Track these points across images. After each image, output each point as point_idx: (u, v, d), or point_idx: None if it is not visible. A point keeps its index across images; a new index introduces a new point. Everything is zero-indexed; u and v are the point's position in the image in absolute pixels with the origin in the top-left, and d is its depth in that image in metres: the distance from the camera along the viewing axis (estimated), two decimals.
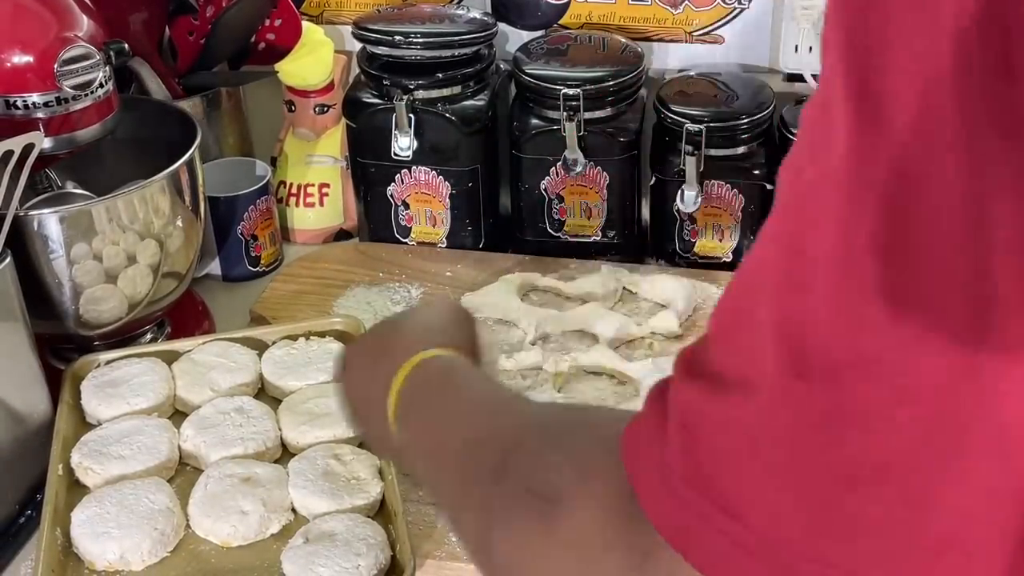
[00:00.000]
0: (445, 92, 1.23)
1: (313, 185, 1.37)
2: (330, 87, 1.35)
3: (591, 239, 1.27)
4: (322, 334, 1.08)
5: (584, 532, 0.41)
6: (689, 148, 1.18)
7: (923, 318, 0.33)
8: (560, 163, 1.21)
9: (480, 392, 0.60)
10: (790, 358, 0.36)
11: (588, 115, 1.20)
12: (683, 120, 1.18)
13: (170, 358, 1.05)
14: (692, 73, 1.29)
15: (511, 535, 0.45)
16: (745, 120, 1.18)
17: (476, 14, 1.29)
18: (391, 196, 1.28)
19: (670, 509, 0.38)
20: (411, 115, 1.22)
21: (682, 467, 0.37)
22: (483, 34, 1.25)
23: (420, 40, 1.23)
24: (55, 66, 0.96)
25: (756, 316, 0.37)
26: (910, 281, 0.34)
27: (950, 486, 0.35)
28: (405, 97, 1.22)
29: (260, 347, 1.07)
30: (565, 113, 1.19)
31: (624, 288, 1.19)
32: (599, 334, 1.12)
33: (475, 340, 0.68)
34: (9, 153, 0.92)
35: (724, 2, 1.29)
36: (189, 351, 1.06)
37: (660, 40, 1.32)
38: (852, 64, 0.35)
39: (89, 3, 1.02)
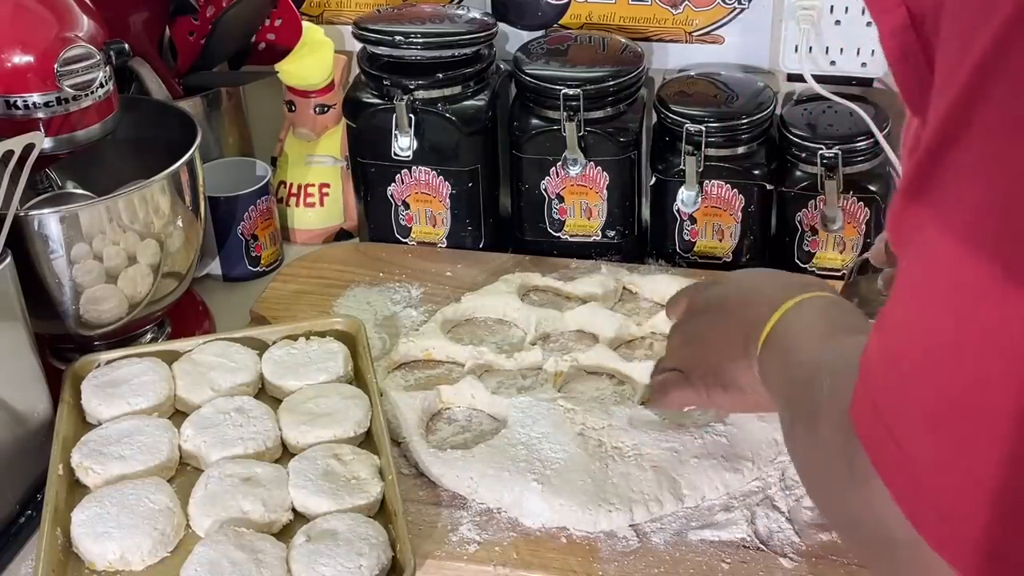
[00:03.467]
0: (445, 92, 1.24)
1: (313, 185, 1.37)
2: (330, 87, 1.35)
3: (591, 239, 1.27)
4: (322, 334, 1.08)
5: (826, 439, 0.60)
6: (689, 148, 1.18)
7: None
8: (560, 163, 1.21)
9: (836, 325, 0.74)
10: None
11: (588, 115, 1.20)
12: (683, 120, 1.18)
13: (170, 358, 1.05)
14: (692, 73, 1.29)
15: (795, 433, 0.68)
16: (745, 120, 1.18)
17: (476, 14, 1.29)
18: (391, 196, 1.28)
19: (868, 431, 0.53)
20: (411, 115, 1.22)
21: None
22: (483, 34, 1.25)
23: (420, 40, 1.23)
24: (55, 66, 0.96)
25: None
26: None
27: None
28: (405, 97, 1.22)
29: (260, 347, 1.07)
30: (565, 113, 1.19)
31: (624, 288, 1.19)
32: (599, 334, 1.12)
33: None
34: (9, 153, 0.92)
35: (724, 2, 1.29)
36: (189, 351, 1.06)
37: (660, 40, 1.32)
38: None
39: (89, 3, 1.02)
